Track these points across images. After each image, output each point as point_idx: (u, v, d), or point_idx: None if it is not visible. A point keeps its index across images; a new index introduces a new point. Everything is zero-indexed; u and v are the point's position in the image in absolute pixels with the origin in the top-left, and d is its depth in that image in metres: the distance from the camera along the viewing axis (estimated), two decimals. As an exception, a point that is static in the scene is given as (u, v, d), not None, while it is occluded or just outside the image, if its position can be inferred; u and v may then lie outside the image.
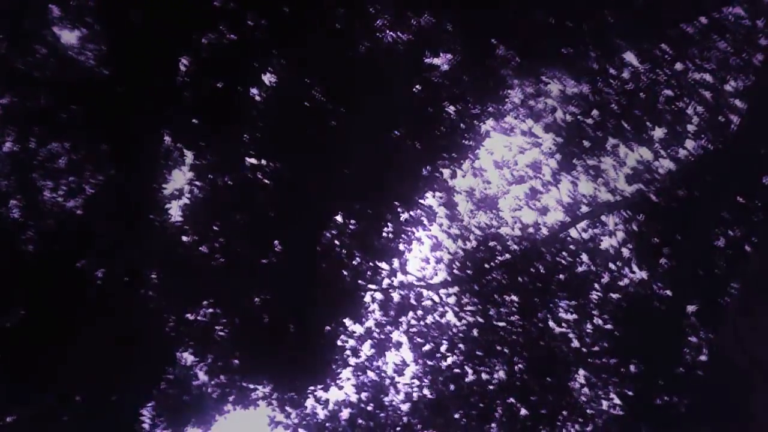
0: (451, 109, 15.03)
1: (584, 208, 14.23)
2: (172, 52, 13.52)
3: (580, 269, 14.44)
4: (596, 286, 14.31)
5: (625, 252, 13.84)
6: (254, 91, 14.28)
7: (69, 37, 13.61)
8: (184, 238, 14.13)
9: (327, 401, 14.49)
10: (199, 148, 13.96)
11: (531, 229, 14.78)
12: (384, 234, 15.25)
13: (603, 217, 14.17)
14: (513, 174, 14.74)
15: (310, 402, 14.31)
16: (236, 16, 13.13)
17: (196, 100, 13.54)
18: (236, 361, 14.18)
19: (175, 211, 14.09)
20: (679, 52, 13.20)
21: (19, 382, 11.38)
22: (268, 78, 13.78)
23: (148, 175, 13.92)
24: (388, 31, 14.20)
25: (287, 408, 14.24)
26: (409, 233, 15.09)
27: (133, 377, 13.58)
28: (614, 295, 14.17)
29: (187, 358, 13.88)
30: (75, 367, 12.82)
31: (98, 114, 13.66)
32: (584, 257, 14.33)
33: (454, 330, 15.04)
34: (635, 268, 13.56)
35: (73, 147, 13.85)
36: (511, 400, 14.97)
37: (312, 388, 14.24)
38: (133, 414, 12.41)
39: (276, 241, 14.70)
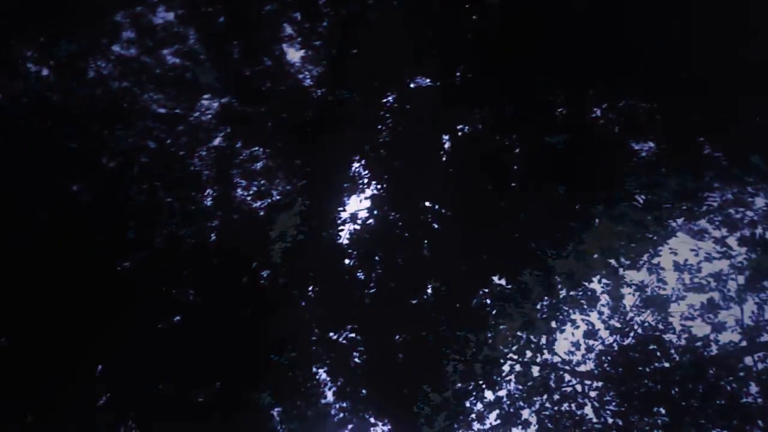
0: (641, 197, 16.55)
1: (766, 337, 14.97)
2: (382, 90, 16.44)
3: (744, 400, 15.11)
4: (760, 423, 14.91)
5: None
6: (445, 137, 16.82)
7: (293, 55, 17.05)
8: (346, 261, 16.84)
9: (442, 459, 16.31)
10: (382, 180, 16.69)
11: (699, 343, 15.73)
12: (537, 306, 16.98)
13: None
14: (693, 280, 15.83)
15: (425, 454, 16.20)
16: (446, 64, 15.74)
17: (392, 135, 16.31)
18: (364, 391, 16.53)
19: (344, 233, 16.86)
20: None
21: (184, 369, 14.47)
22: (464, 129, 16.23)
23: (331, 194, 16.88)
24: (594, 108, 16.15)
25: (402, 452, 16.25)
26: (565, 313, 16.67)
27: (272, 379, 16.40)
28: None
29: (321, 374, 16.45)
30: (223, 361, 15.84)
31: (302, 128, 16.90)
32: (753, 388, 15.01)
33: (589, 425, 16.27)
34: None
35: (272, 154, 17.18)
36: None
37: (430, 440, 16.15)
38: (268, 415, 15.12)
39: (429, 286, 16.99)
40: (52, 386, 11.72)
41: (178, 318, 14.83)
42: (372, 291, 16.28)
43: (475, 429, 15.51)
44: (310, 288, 16.07)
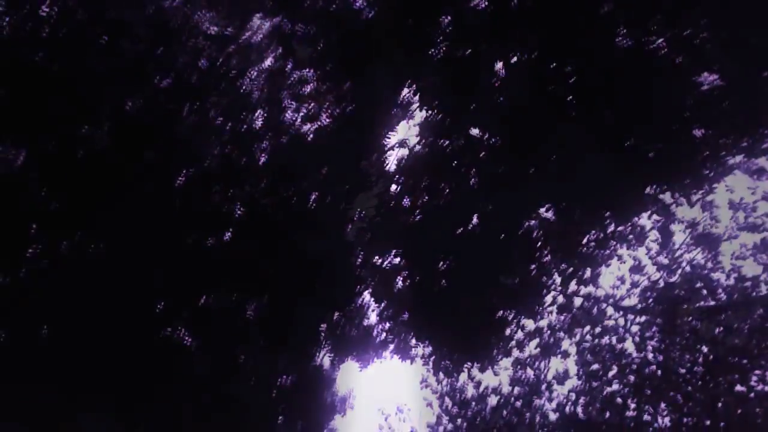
0: (698, 132, 16.96)
1: None
2: (438, 11, 16.97)
3: None
4: None
5: None
6: (499, 66, 17.37)
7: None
8: (392, 187, 17.85)
9: (479, 383, 17.65)
10: (432, 107, 17.45)
11: (748, 283, 16.40)
12: (585, 239, 17.80)
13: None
14: (748, 219, 16.36)
15: (463, 377, 17.56)
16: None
17: (444, 62, 16.93)
18: (406, 315, 17.84)
19: (392, 159, 17.80)
20: None
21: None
22: (516, 57, 16.72)
23: (379, 119, 17.75)
24: (654, 37, 16.43)
25: (441, 375, 17.65)
26: (612, 248, 17.46)
27: (317, 298, 17.83)
28: None
29: (365, 297, 17.78)
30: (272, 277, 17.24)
31: (350, 52, 17.67)
32: None
33: (629, 359, 17.30)
34: None
35: (321, 77, 18.05)
36: None
37: (469, 365, 17.48)
38: (313, 332, 16.59)
39: (476, 214, 17.95)
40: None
41: (228, 234, 16.20)
42: (418, 218, 17.34)
43: (514, 356, 16.71)
44: (357, 212, 17.21)
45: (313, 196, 17.14)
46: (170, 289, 15.03)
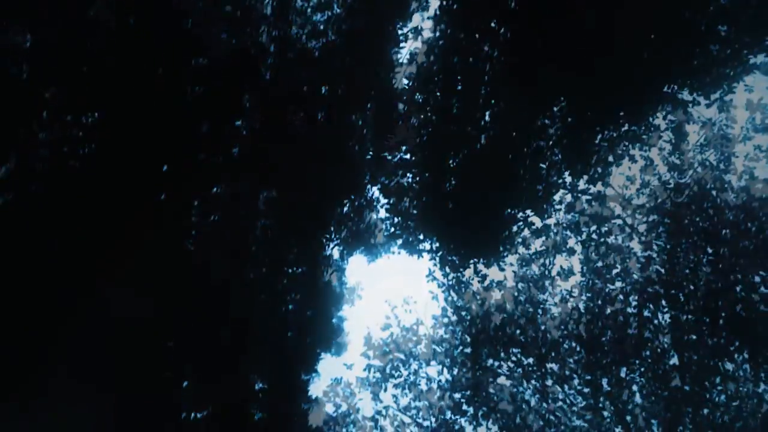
0: (722, 29, 17.33)
1: None
2: None
3: None
4: None
5: None
6: None
7: None
8: (404, 81, 18.45)
9: (485, 277, 18.98)
10: None
11: (759, 185, 17.28)
12: (597, 138, 18.57)
13: None
14: (765, 121, 17.03)
15: (469, 271, 18.86)
16: None
17: None
18: (415, 211, 18.92)
19: (405, 52, 18.29)
20: None
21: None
22: None
23: (389, 11, 18.12)
24: None
25: (447, 269, 18.95)
26: (624, 147, 18.25)
27: (329, 190, 18.88)
28: None
29: (374, 192, 18.80)
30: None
31: None
32: None
33: (635, 258, 18.49)
34: None
35: None
36: (665, 344, 18.49)
37: (475, 260, 18.73)
38: (323, 223, 17.73)
39: (488, 112, 18.65)
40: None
41: (236, 150, 17.02)
42: (431, 114, 18.05)
43: (520, 253, 17.88)
44: (368, 105, 17.92)
45: (324, 89, 17.79)
46: (181, 177, 16.00)
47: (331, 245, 17.56)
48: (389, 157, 17.33)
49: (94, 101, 12.54)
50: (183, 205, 16.00)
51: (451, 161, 17.54)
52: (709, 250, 16.74)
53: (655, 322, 16.66)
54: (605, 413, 17.56)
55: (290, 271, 16.88)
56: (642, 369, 16.93)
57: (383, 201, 17.54)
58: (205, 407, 15.67)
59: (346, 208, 17.64)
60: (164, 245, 15.43)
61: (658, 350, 16.53)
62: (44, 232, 11.24)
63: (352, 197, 17.33)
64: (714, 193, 15.85)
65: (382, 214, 17.89)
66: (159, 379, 14.30)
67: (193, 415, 15.59)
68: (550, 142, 16.77)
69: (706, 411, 17.14)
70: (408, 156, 17.41)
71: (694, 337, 16.55)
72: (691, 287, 16.72)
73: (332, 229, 17.51)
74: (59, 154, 12.21)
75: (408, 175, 17.21)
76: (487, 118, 17.51)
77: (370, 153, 17.35)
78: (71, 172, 12.00)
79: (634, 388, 16.22)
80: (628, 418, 16.30)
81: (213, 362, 15.58)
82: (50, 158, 11.86)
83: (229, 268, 15.89)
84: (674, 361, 16.21)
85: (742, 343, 14.91)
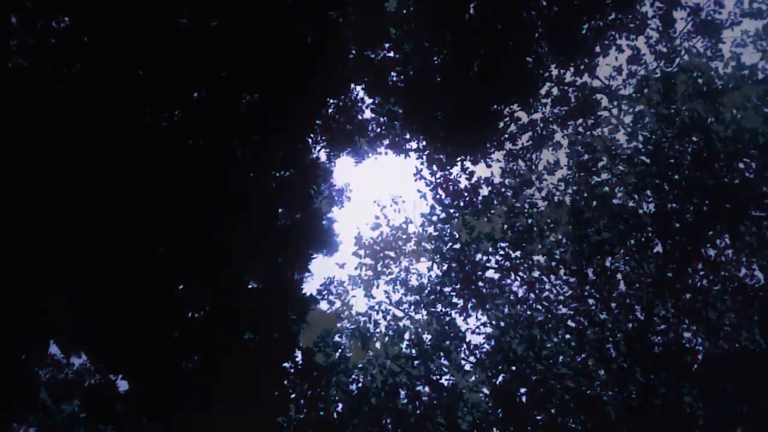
0: None
1: None
2: None
3: None
4: None
5: None
6: None
7: None
8: None
9: (472, 174, 20.09)
10: None
11: (746, 71, 18.09)
12: (582, 28, 19.14)
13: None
14: (753, 5, 17.57)
15: (456, 169, 19.93)
16: None
17: None
18: (400, 110, 19.75)
19: None
20: None
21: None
22: None
23: None
24: None
25: (434, 167, 20.03)
26: (611, 37, 18.87)
27: (307, 94, 19.62)
28: None
29: (359, 92, 19.52)
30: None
31: None
32: None
33: (620, 150, 19.55)
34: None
35: None
36: (650, 233, 19.92)
37: (462, 157, 19.78)
38: (309, 125, 18.59)
39: (472, 5, 19.09)
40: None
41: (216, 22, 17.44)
42: (412, 8, 18.47)
43: (507, 149, 18.87)
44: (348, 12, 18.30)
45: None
46: (159, 83, 16.66)
47: (318, 147, 18.50)
48: (372, 56, 17.97)
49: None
50: (161, 112, 16.71)
51: (435, 58, 18.20)
52: (694, 139, 17.70)
53: (640, 212, 17.91)
54: (591, 301, 19.26)
55: (278, 174, 17.94)
56: (626, 258, 18.39)
57: (368, 101, 18.32)
58: (202, 309, 17.17)
59: (330, 110, 18.45)
60: (150, 155, 16.27)
61: (643, 239, 17.90)
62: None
63: (336, 99, 18.10)
64: (701, 81, 16.73)
65: (368, 114, 18.76)
66: (154, 282, 15.62)
67: (190, 314, 17.10)
68: (536, 34, 17.40)
69: (688, 296, 18.80)
70: (392, 54, 18.04)
71: (677, 225, 17.89)
72: (676, 176, 17.82)
73: (318, 131, 18.41)
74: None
75: (392, 73, 17.91)
76: (471, 11, 18.02)
77: (353, 52, 17.97)
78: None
79: (619, 276, 17.77)
80: (613, 305, 17.99)
81: (206, 265, 16.91)
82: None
83: (213, 175, 16.82)
84: (658, 248, 17.57)
85: (723, 222, 16.19)
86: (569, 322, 18.08)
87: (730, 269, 18.13)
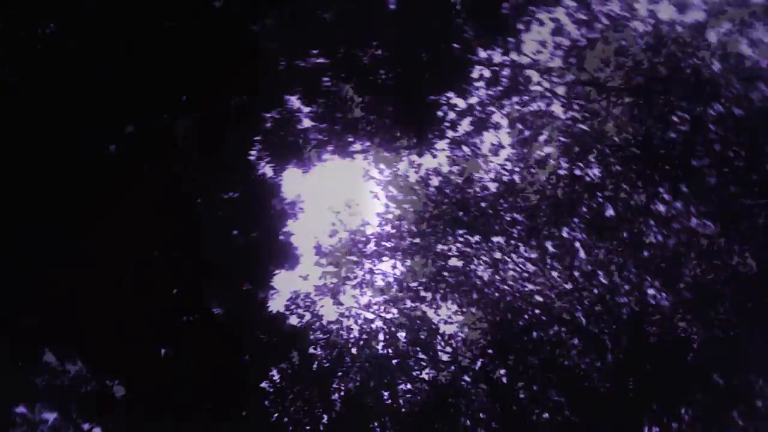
0: None
1: (730, 9, 17.69)
2: None
3: (707, 75, 18.44)
4: (723, 93, 18.32)
5: (765, 62, 17.48)
6: None
7: None
8: None
9: (420, 166, 20.28)
10: None
11: (665, 27, 18.60)
12: (503, 7, 19.51)
13: (748, 19, 17.51)
14: None
15: (403, 165, 20.11)
16: None
17: None
18: (339, 114, 19.88)
19: None
20: None
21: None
22: None
23: None
24: None
25: (381, 166, 20.17)
26: (531, 12, 19.27)
27: (244, 113, 19.65)
28: (738, 111, 18.34)
29: (295, 103, 19.61)
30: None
31: None
32: (716, 64, 18.25)
33: (558, 122, 19.95)
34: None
35: None
36: (600, 198, 20.35)
37: (407, 151, 19.95)
38: (242, 148, 18.60)
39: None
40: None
41: None
42: (334, 12, 18.61)
43: (450, 137, 19.13)
44: (269, 20, 18.39)
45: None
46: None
47: (262, 164, 18.51)
48: (303, 64, 18.04)
49: None
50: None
51: (365, 58, 18.33)
52: (627, 100, 18.11)
53: (587, 179, 18.31)
54: (554, 273, 19.58)
55: (226, 197, 17.88)
56: (581, 226, 18.75)
57: (306, 110, 18.38)
58: (170, 344, 16.97)
59: (269, 124, 18.47)
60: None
61: (594, 205, 18.27)
62: None
63: (272, 112, 18.12)
64: (624, 42, 17.10)
65: (308, 123, 18.87)
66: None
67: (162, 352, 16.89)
68: (459, 20, 17.63)
69: (646, 254, 19.21)
70: (321, 60, 18.14)
71: (626, 186, 18.30)
72: (615, 139, 18.23)
73: (259, 147, 18.40)
74: None
75: (324, 78, 18.01)
76: (393, 5, 18.16)
77: (282, 62, 18.02)
78: None
79: (577, 245, 18.14)
80: (576, 273, 18.31)
81: (168, 300, 16.72)
82: None
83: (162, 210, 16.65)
84: (610, 212, 17.94)
85: (667, 177, 16.58)
86: (536, 297, 18.35)
87: (680, 220, 18.50)
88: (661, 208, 17.73)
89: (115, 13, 13.41)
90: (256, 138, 18.24)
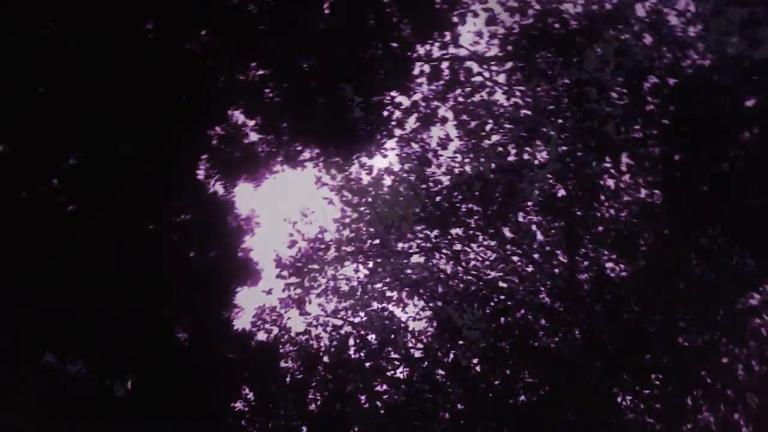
0: None
1: None
2: None
3: (640, 51, 19.03)
4: (656, 65, 18.89)
5: (693, 33, 18.15)
6: None
7: None
8: None
9: (371, 168, 20.30)
10: None
11: (595, 6, 19.10)
12: (437, 3, 19.72)
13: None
14: None
15: (355, 168, 20.13)
16: None
17: None
18: (285, 124, 19.76)
19: None
20: None
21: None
22: None
23: None
24: None
25: (333, 171, 20.14)
26: (464, 4, 19.52)
27: (187, 132, 19.36)
28: (671, 80, 18.97)
29: (238, 117, 19.40)
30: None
31: None
32: (648, 39, 18.83)
33: (502, 110, 20.27)
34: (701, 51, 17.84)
35: None
36: (550, 180, 20.76)
37: (357, 154, 19.97)
38: (190, 168, 18.33)
39: (325, 3, 19.31)
40: None
41: None
42: (271, 22, 18.48)
43: (398, 135, 19.20)
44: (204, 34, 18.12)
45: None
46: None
47: (212, 182, 18.24)
48: (242, 78, 17.86)
49: None
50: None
51: (305, 65, 18.24)
52: (567, 81, 18.47)
53: (536, 162, 18.62)
54: (515, 258, 19.87)
55: (178, 220, 17.54)
56: (536, 209, 19.09)
57: (251, 123, 18.19)
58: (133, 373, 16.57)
59: (215, 141, 18.21)
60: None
61: (545, 187, 18.60)
62: None
63: (216, 129, 17.87)
64: (558, 26, 17.42)
65: (255, 136, 18.68)
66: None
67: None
68: (394, 19, 17.70)
69: (601, 228, 19.65)
70: (261, 72, 17.99)
71: (572, 165, 18.68)
72: (560, 121, 18.57)
73: (207, 165, 18.13)
74: None
75: (266, 90, 17.86)
76: (326, 10, 18.14)
77: (221, 79, 17.80)
78: None
79: (534, 228, 18.46)
80: (536, 255, 18.60)
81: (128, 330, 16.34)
82: None
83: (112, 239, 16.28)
84: (561, 192, 18.28)
85: (608, 152, 16.99)
86: (500, 283, 18.59)
87: (632, 193, 18.93)
88: (610, 182, 18.14)
89: (51, 39, 13.05)
90: (203, 156, 17.92)
